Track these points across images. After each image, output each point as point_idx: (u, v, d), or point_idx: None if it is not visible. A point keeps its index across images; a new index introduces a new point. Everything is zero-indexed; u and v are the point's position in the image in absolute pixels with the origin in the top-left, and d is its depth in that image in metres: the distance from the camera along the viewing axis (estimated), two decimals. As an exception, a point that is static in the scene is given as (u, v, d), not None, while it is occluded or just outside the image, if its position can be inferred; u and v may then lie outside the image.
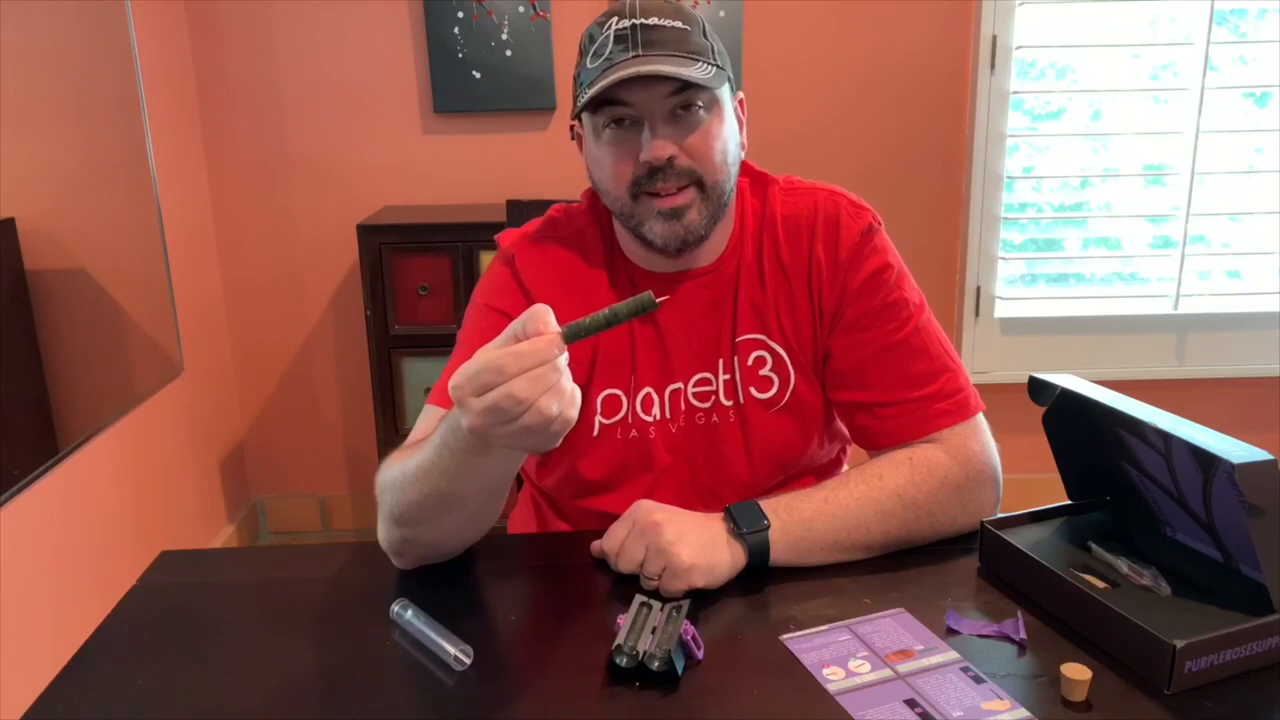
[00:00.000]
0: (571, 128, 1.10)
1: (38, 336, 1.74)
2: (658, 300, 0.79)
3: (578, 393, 0.79)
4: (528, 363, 0.75)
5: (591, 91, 0.97)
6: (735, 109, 1.08)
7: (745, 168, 1.13)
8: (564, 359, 0.77)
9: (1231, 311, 2.64)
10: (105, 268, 1.98)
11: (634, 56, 0.97)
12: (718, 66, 1.00)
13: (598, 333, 0.79)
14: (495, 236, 1.16)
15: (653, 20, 0.99)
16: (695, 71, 0.97)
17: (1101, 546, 0.94)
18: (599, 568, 0.98)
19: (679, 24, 1.00)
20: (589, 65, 1.01)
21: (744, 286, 1.09)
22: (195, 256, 2.45)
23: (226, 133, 2.50)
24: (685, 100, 0.99)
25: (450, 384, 0.78)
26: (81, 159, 1.91)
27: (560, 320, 0.78)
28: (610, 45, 0.99)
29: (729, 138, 1.03)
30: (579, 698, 0.79)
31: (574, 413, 0.78)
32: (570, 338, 0.77)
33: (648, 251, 1.07)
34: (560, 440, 0.80)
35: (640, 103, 0.98)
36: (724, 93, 1.03)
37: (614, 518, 0.97)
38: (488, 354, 0.76)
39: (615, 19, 1.00)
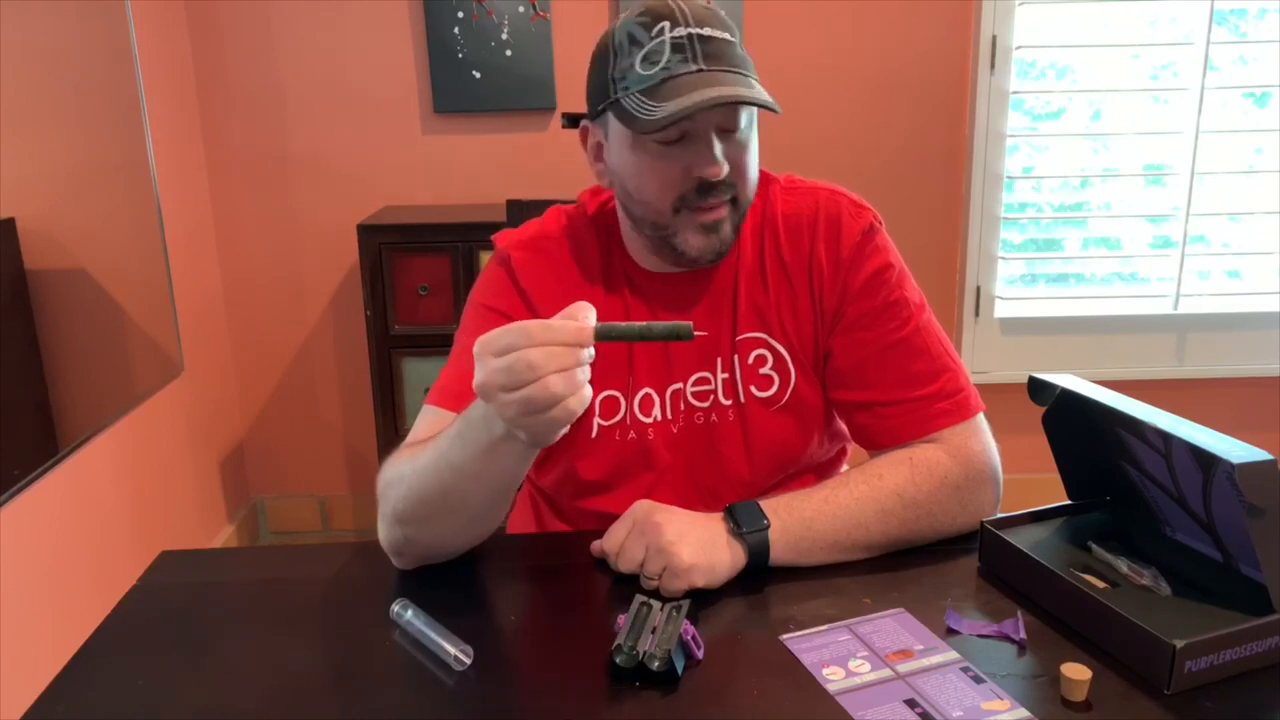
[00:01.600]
0: (572, 118, 1.08)
1: (38, 336, 1.74)
2: (695, 334, 0.80)
3: (588, 392, 0.79)
4: (553, 337, 0.77)
5: (670, 109, 0.93)
6: None
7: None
8: (588, 353, 0.78)
9: (1231, 311, 2.64)
10: (105, 268, 1.98)
11: (699, 70, 0.95)
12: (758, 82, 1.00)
13: (627, 341, 0.81)
14: (492, 237, 1.16)
15: (707, 31, 0.96)
16: (765, 93, 0.96)
17: (1101, 546, 0.94)
18: (599, 568, 0.98)
19: (728, 36, 0.98)
20: (639, 70, 0.96)
21: (745, 285, 1.09)
22: (195, 256, 2.45)
23: (226, 133, 2.50)
24: (738, 118, 0.99)
25: (477, 340, 0.79)
26: (81, 159, 1.91)
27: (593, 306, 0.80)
28: (667, 53, 0.96)
29: (756, 153, 1.04)
30: (579, 698, 0.79)
31: (578, 407, 0.79)
32: (601, 335, 0.79)
33: (655, 255, 1.07)
34: (558, 434, 0.81)
35: (703, 119, 0.97)
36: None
37: (613, 518, 0.97)
38: (522, 321, 0.78)
39: (667, 25, 0.96)
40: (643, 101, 0.95)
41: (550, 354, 0.76)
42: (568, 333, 0.77)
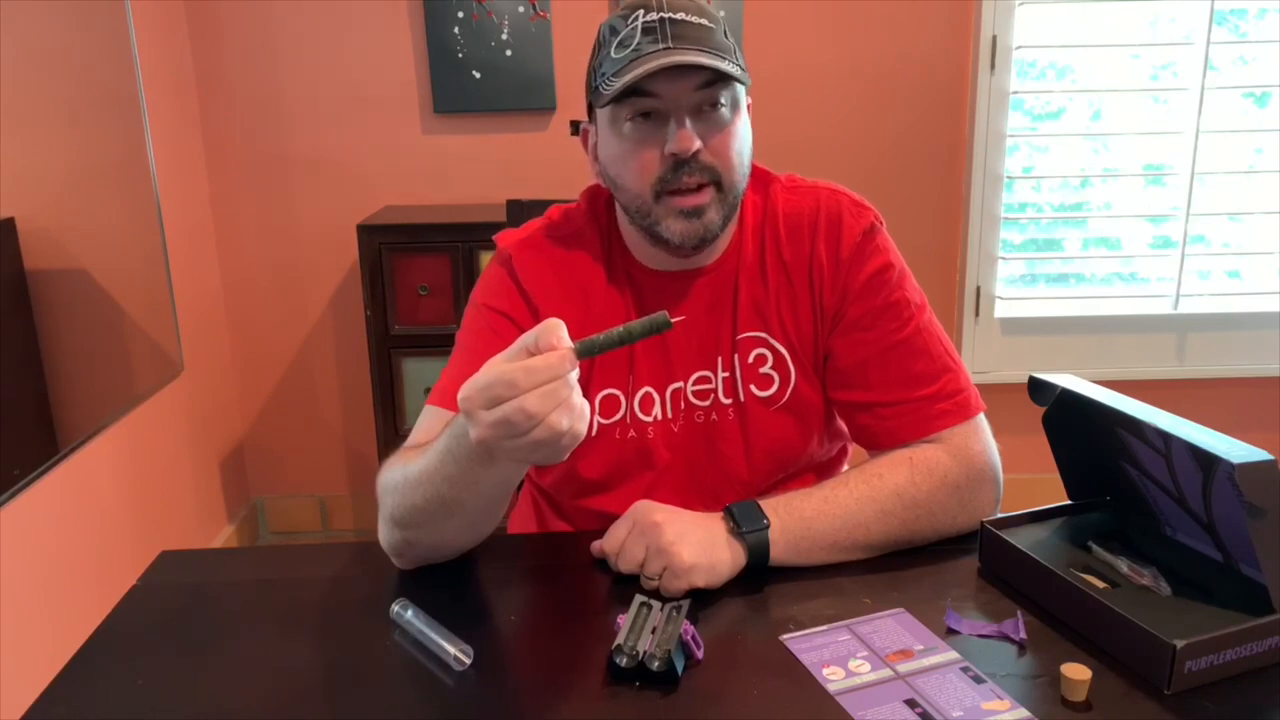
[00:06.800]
0: (576, 124, 1.09)
1: (38, 336, 1.74)
2: (672, 321, 0.78)
3: (587, 407, 0.78)
4: (540, 378, 0.74)
5: (623, 80, 0.96)
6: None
7: (747, 167, 1.13)
8: (574, 374, 0.76)
9: (1231, 311, 2.64)
10: (105, 268, 1.98)
11: (665, 48, 0.96)
12: (740, 67, 1.00)
13: (610, 350, 0.79)
14: (493, 237, 1.16)
15: (680, 15, 0.99)
16: (727, 65, 0.97)
17: (1101, 546, 0.94)
18: (599, 568, 0.98)
19: (705, 21, 1.00)
20: (613, 55, 0.99)
21: (745, 284, 1.09)
22: (195, 256, 2.45)
23: (226, 133, 2.50)
24: (711, 96, 0.99)
25: (459, 395, 0.77)
26: (81, 159, 1.91)
27: (563, 322, 0.78)
28: (638, 37, 0.98)
29: (745, 139, 1.03)
30: (579, 698, 0.79)
31: (583, 427, 0.77)
32: (583, 354, 0.77)
33: (654, 249, 1.07)
34: (568, 454, 0.79)
35: (668, 95, 0.98)
36: (743, 93, 1.03)
37: (614, 517, 0.97)
38: (499, 367, 0.75)
39: (641, 12, 0.99)
40: (610, 82, 0.98)
41: (543, 395, 0.74)
42: (552, 367, 0.74)
